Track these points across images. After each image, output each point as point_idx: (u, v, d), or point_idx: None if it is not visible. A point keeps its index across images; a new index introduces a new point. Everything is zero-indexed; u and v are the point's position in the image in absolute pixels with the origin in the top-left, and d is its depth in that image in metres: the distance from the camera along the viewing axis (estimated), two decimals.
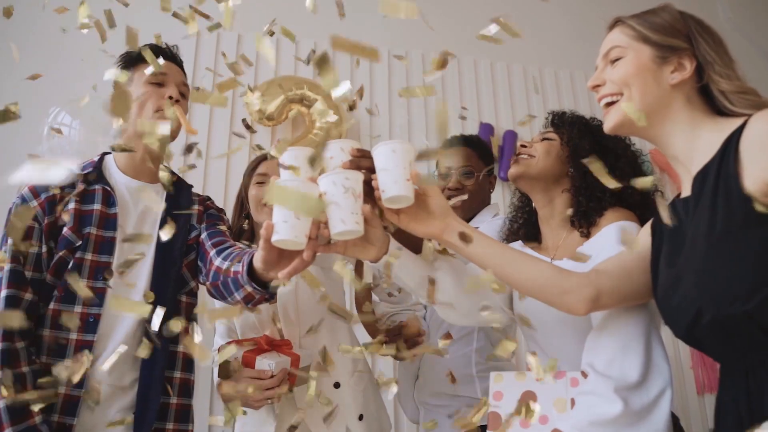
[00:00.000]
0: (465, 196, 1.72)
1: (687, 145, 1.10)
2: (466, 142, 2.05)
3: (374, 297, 2.14)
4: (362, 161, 1.15)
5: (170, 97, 1.49)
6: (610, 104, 1.16)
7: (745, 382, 0.97)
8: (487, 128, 3.45)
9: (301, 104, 3.11)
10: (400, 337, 1.89)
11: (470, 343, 1.84)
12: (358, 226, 1.08)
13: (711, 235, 0.97)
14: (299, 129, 3.23)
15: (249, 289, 1.27)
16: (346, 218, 1.07)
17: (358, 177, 1.10)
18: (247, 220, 1.91)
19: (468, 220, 1.90)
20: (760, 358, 0.95)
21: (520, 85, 3.70)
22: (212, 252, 1.46)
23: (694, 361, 3.29)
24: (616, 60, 1.15)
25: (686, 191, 1.11)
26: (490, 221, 1.87)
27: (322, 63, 0.93)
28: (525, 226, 1.54)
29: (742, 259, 0.92)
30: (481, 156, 2.01)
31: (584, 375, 1.18)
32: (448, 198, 1.90)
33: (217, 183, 3.03)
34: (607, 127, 1.17)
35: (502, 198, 3.25)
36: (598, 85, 1.18)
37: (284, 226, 1.03)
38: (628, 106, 1.09)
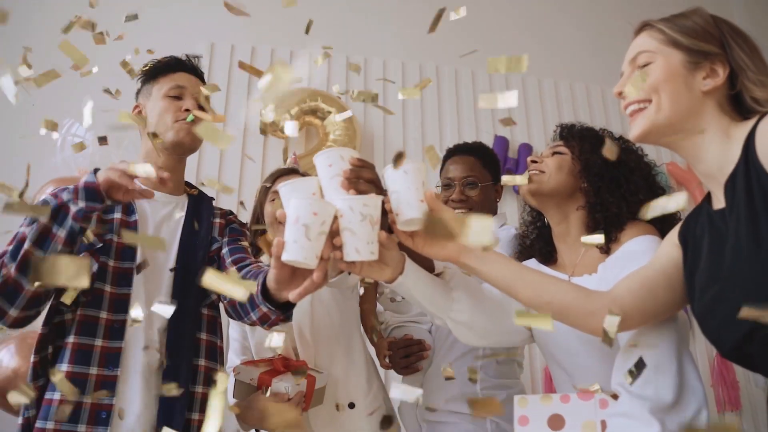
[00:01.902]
0: None
1: (719, 156, 1.04)
2: (470, 150, 1.99)
3: (379, 307, 2.10)
4: (363, 171, 1.09)
5: (187, 110, 1.49)
6: (636, 112, 1.10)
7: None
8: (502, 141, 3.42)
9: (314, 116, 3.10)
10: (405, 351, 1.84)
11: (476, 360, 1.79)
12: (372, 256, 1.04)
13: (758, 243, 0.91)
14: (312, 141, 3.23)
15: (264, 309, 1.25)
16: (360, 248, 1.03)
17: (377, 203, 1.06)
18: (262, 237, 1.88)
19: None
20: None
21: (535, 98, 3.67)
22: (232, 269, 1.43)
23: (715, 379, 3.23)
24: (645, 65, 1.09)
25: (720, 203, 1.06)
26: (497, 231, 1.82)
27: None
28: (539, 243, 1.50)
29: None
30: (485, 165, 1.96)
31: (614, 396, 1.14)
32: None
33: (231, 180, 3.04)
34: (634, 135, 1.11)
35: (516, 211, 3.22)
36: (624, 92, 1.12)
37: (294, 246, 0.99)
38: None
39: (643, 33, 1.14)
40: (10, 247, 1.28)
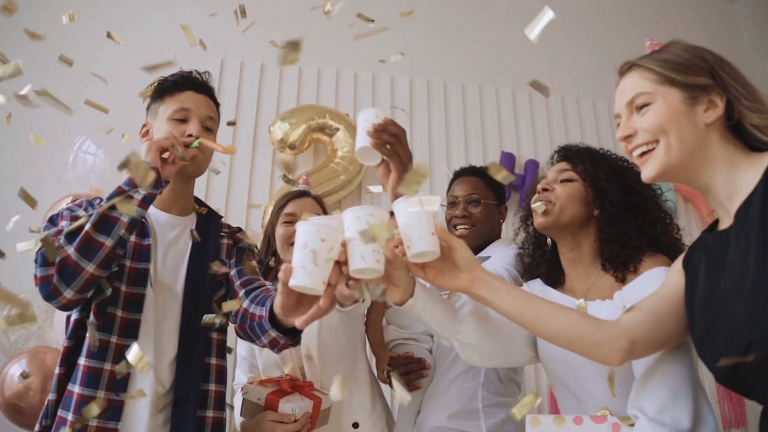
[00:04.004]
0: None
1: (727, 185, 1.06)
2: (474, 171, 2.04)
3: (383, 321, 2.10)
4: (389, 126, 1.23)
5: (190, 135, 1.43)
6: (645, 154, 1.11)
7: None
8: (509, 157, 3.43)
9: (322, 133, 3.12)
10: (406, 368, 1.85)
11: (477, 377, 1.77)
12: (378, 265, 1.04)
13: (764, 265, 0.92)
14: (320, 158, 3.24)
15: (273, 334, 1.26)
16: (366, 255, 1.02)
17: (383, 215, 1.06)
18: (274, 258, 1.89)
19: (477, 250, 1.87)
20: None
21: (542, 114, 3.68)
22: (241, 293, 1.43)
23: (720, 395, 3.21)
24: (644, 107, 1.10)
25: (724, 225, 1.08)
26: (503, 250, 1.83)
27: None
28: (544, 266, 1.50)
29: None
30: (489, 186, 1.99)
31: (629, 422, 1.15)
32: (455, 226, 1.89)
33: (240, 197, 3.05)
34: (647, 176, 1.12)
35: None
36: (630, 135, 1.12)
37: (302, 272, 0.99)
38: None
39: (632, 73, 1.14)
40: (64, 228, 1.28)
